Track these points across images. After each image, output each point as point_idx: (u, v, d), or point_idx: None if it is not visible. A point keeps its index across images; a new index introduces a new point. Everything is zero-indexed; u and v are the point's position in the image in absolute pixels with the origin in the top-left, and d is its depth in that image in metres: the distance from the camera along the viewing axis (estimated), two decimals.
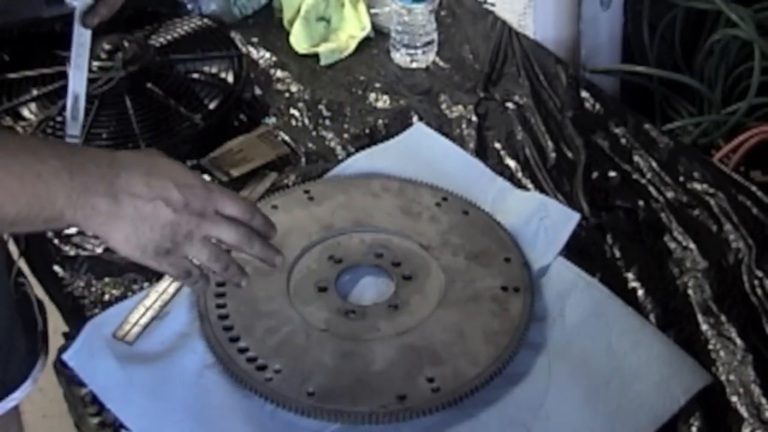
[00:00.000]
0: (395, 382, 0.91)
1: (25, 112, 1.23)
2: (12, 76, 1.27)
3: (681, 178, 1.16)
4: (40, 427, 1.66)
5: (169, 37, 1.34)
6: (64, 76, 1.23)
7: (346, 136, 1.24)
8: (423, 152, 1.20)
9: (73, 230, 1.10)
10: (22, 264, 1.12)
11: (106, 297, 1.03)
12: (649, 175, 1.17)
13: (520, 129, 1.24)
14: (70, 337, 0.99)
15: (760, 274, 1.03)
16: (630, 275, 1.04)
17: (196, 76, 1.28)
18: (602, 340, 0.96)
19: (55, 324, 1.06)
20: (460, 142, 1.23)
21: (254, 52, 1.40)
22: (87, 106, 1.20)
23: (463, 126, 1.25)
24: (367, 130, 1.25)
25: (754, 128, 1.37)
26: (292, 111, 1.29)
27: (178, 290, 1.02)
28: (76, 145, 1.08)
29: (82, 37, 1.09)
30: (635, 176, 1.17)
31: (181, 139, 1.19)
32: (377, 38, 1.42)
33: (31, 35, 1.34)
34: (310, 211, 1.10)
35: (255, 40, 1.42)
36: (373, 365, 0.93)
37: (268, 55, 1.39)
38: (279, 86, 1.34)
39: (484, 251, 1.05)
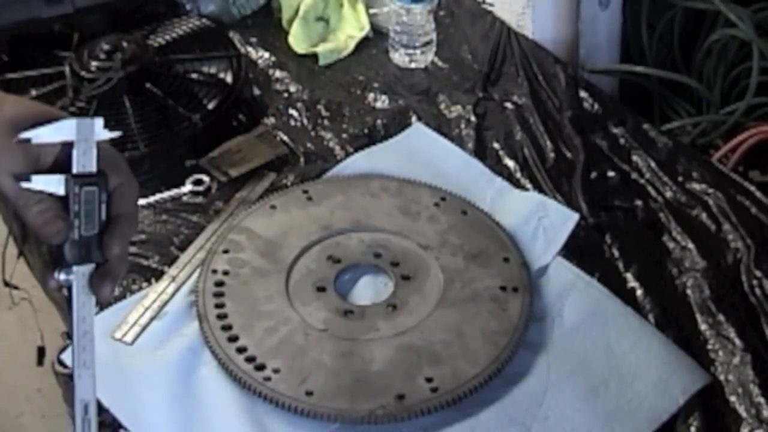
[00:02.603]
0: (394, 382, 0.91)
1: None
2: (12, 76, 1.27)
3: (680, 178, 1.16)
4: (39, 428, 1.66)
5: (167, 38, 1.34)
6: (63, 76, 1.23)
7: (344, 136, 1.24)
8: (422, 152, 1.20)
9: None
10: (21, 265, 1.12)
11: None
12: (647, 175, 1.17)
13: (518, 129, 1.24)
14: (68, 338, 0.99)
15: (758, 273, 1.03)
16: (629, 275, 1.04)
17: (194, 76, 1.28)
18: (601, 340, 0.96)
19: (54, 324, 1.06)
20: (459, 142, 1.23)
21: (253, 53, 1.40)
22: (86, 106, 1.20)
23: (462, 126, 1.25)
24: (366, 130, 1.25)
25: (752, 128, 1.37)
26: (291, 111, 1.29)
27: (177, 290, 1.02)
28: None
29: (84, 323, 0.73)
30: (634, 176, 1.17)
31: (180, 139, 1.19)
32: (376, 38, 1.42)
33: (31, 35, 1.34)
34: (308, 211, 1.10)
35: (254, 40, 1.42)
36: (372, 365, 0.93)
37: (266, 55, 1.39)
38: (278, 86, 1.34)
39: (482, 251, 1.05)
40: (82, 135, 0.70)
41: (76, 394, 0.73)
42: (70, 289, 0.71)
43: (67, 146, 0.70)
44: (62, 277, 0.71)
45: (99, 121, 0.70)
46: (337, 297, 1.00)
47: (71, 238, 0.70)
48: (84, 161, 0.70)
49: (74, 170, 0.70)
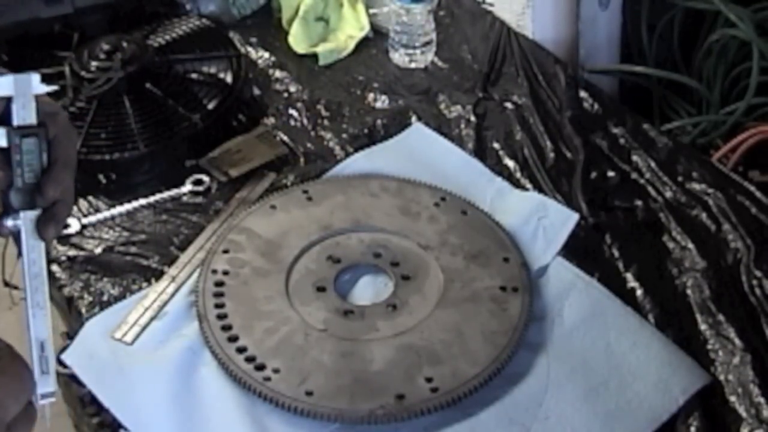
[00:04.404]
0: (394, 382, 0.91)
1: None
2: None
3: (680, 178, 1.16)
4: (39, 427, 1.66)
5: (167, 38, 1.34)
6: (63, 76, 1.23)
7: (344, 136, 1.24)
8: (421, 152, 1.20)
9: (71, 230, 1.10)
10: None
11: (105, 297, 1.03)
12: (647, 175, 1.17)
13: (518, 129, 1.24)
14: (68, 338, 0.99)
15: (758, 273, 1.03)
16: (629, 275, 1.04)
17: (194, 76, 1.28)
18: (601, 340, 0.96)
19: (54, 324, 1.05)
20: (459, 142, 1.23)
21: (253, 53, 1.40)
22: (86, 106, 1.20)
23: (462, 126, 1.25)
24: (366, 130, 1.25)
25: (752, 128, 1.37)
26: (291, 111, 1.29)
27: (177, 290, 1.02)
28: None
29: (35, 266, 0.78)
30: (634, 176, 1.17)
31: (180, 140, 1.19)
32: (376, 38, 1.42)
33: (31, 35, 1.34)
34: (308, 211, 1.10)
35: (254, 40, 1.42)
36: (372, 365, 0.93)
37: (266, 55, 1.40)
38: (278, 86, 1.34)
39: (482, 251, 1.05)
40: (20, 90, 0.74)
41: (31, 333, 0.78)
42: (19, 234, 0.76)
43: (9, 102, 0.74)
44: (10, 222, 0.76)
45: (36, 76, 0.75)
46: (337, 297, 1.00)
47: (15, 186, 0.75)
48: (24, 114, 0.75)
49: (14, 123, 0.74)
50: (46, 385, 0.78)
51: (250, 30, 1.45)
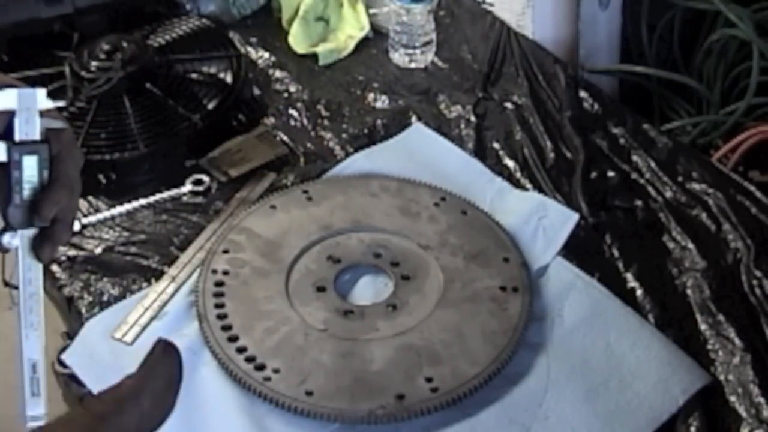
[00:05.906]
0: (394, 382, 0.91)
1: None
2: (11, 76, 1.27)
3: (680, 178, 1.16)
4: None
5: (167, 38, 1.35)
6: (63, 76, 1.23)
7: (344, 136, 1.24)
8: (422, 152, 1.20)
9: None
10: None
11: (105, 297, 1.03)
12: (647, 175, 1.17)
13: (518, 129, 1.24)
14: (68, 338, 0.99)
15: (758, 273, 1.03)
16: (629, 275, 1.04)
17: (194, 76, 1.28)
18: (601, 340, 0.96)
19: (54, 324, 1.06)
20: (459, 142, 1.23)
21: (253, 53, 1.40)
22: (86, 106, 1.20)
23: (462, 126, 1.25)
24: (366, 130, 1.25)
25: (752, 128, 1.37)
26: (291, 111, 1.29)
27: (177, 290, 1.02)
28: None
29: (31, 285, 0.75)
30: (634, 176, 1.17)
31: (180, 140, 1.19)
32: (376, 38, 1.42)
33: (31, 35, 1.34)
34: (308, 211, 1.10)
35: (254, 40, 1.42)
36: (372, 365, 0.93)
37: (266, 55, 1.40)
38: (278, 86, 1.34)
39: (482, 251, 1.05)
40: (24, 104, 0.73)
41: (24, 354, 0.76)
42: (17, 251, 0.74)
43: (13, 116, 0.73)
44: (7, 240, 0.74)
45: (41, 91, 0.73)
46: (337, 297, 1.00)
47: (13, 203, 0.73)
48: (27, 129, 0.73)
49: (16, 138, 0.73)
50: (36, 407, 0.77)
51: (250, 30, 1.45)
